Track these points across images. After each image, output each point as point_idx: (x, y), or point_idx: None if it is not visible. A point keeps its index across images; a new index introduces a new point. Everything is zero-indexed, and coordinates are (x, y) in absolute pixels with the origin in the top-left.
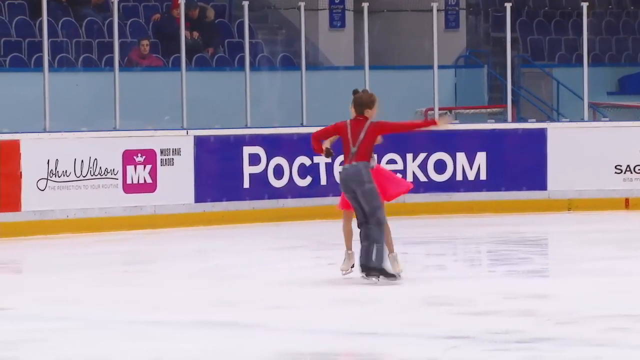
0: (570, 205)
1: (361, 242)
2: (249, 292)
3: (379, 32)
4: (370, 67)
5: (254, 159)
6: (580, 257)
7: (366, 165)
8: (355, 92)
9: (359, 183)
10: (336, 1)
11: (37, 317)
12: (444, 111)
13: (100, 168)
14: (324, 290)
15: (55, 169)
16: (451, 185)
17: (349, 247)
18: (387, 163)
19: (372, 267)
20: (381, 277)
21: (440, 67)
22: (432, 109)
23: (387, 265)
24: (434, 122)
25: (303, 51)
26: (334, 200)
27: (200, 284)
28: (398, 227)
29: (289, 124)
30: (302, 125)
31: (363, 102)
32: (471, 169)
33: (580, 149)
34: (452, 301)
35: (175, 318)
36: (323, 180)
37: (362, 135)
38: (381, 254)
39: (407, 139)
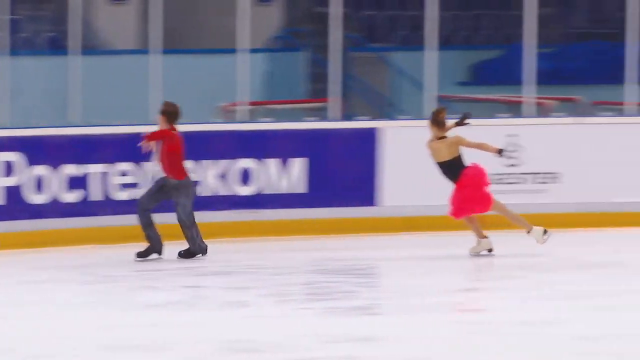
0: (405, 224)
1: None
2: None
3: (174, 7)
4: (164, 51)
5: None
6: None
7: None
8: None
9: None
10: None
11: None
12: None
13: None
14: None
15: None
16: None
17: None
18: None
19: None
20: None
21: (249, 50)
22: (236, 104)
23: None
24: None
25: (79, 31)
26: (107, 221)
27: None
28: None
29: (55, 123)
30: (69, 125)
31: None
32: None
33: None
34: (257, 347)
35: None
36: (96, 196)
37: None
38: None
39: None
